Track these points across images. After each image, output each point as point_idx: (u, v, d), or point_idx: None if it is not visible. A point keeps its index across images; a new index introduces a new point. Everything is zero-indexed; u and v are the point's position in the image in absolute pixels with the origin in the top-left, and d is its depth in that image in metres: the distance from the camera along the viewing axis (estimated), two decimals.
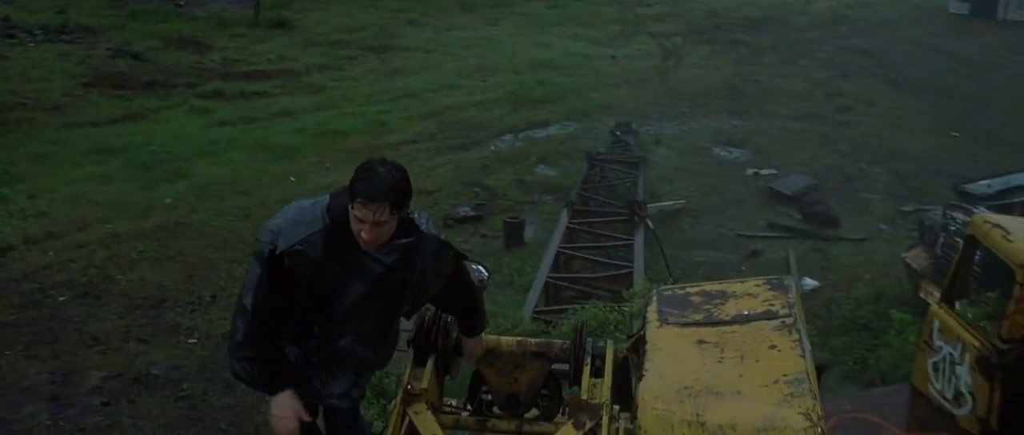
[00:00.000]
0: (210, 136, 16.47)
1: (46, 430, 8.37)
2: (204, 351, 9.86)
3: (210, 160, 15.22)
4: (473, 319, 3.98)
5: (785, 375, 3.81)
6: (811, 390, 3.69)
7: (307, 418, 3.70)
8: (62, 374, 9.18)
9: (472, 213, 13.62)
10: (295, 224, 3.51)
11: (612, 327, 6.76)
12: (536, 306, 8.42)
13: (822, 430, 3.50)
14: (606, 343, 4.01)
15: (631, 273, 8.83)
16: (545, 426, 3.95)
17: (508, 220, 12.83)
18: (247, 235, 12.68)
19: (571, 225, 11.01)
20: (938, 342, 6.92)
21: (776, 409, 3.62)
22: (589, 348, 3.97)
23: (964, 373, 6.68)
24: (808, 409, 3.60)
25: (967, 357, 6.64)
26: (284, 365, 3.64)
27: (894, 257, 11.65)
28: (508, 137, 17.57)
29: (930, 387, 7.02)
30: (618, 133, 16.01)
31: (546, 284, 8.98)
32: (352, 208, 3.40)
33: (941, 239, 10.09)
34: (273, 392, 3.63)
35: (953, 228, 9.86)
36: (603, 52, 24.59)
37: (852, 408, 6.91)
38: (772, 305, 4.31)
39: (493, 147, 17.02)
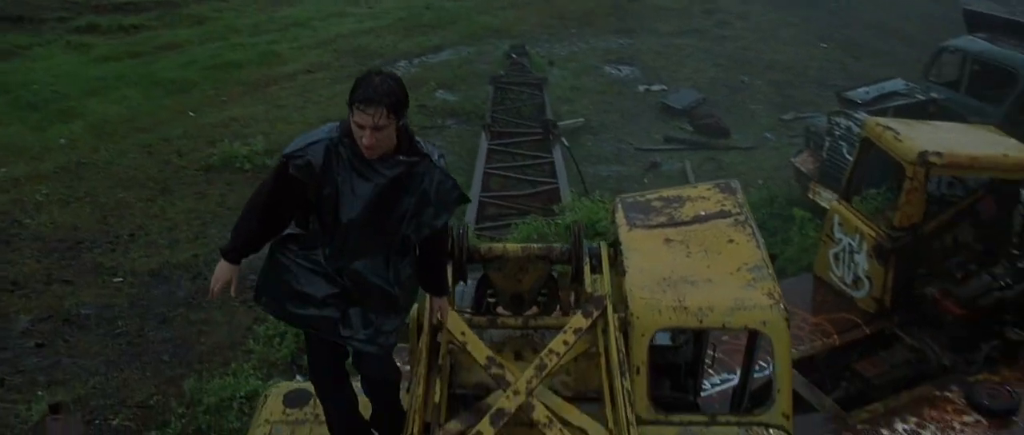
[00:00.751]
0: (94, 73, 15.90)
1: None
2: (133, 289, 9.88)
3: (101, 98, 14.76)
4: (441, 278, 4.10)
5: (746, 263, 4.39)
6: (770, 274, 4.29)
7: (234, 293, 3.99)
8: None
9: None
10: (305, 137, 3.74)
11: (551, 239, 7.21)
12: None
13: (783, 306, 4.11)
14: (599, 244, 4.50)
15: (557, 189, 9.32)
16: (547, 320, 4.42)
17: None
18: (155, 172, 12.56)
19: (490, 146, 11.39)
20: (838, 234, 7.76)
21: (744, 291, 4.21)
22: (586, 249, 4.44)
23: (862, 260, 7.55)
24: (770, 290, 4.20)
25: (864, 246, 7.50)
26: (249, 248, 3.88)
27: (782, 162, 12.58)
28: (403, 63, 17.65)
29: (831, 274, 7.88)
30: (514, 55, 16.36)
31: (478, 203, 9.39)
32: (353, 116, 3.57)
33: (826, 143, 10.98)
34: (224, 256, 3.90)
35: (837, 133, 10.74)
36: None
37: None
38: (724, 205, 4.88)
39: None
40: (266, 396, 4.41)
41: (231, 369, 8.62)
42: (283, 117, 14.65)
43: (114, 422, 8.15)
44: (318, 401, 4.27)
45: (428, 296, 4.05)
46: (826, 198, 10.81)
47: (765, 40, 18.88)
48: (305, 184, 3.69)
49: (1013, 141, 7.58)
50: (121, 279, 10.03)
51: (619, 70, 17.25)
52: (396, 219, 3.70)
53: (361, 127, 3.52)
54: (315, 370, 4.12)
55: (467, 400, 3.96)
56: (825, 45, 18.69)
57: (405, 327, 3.96)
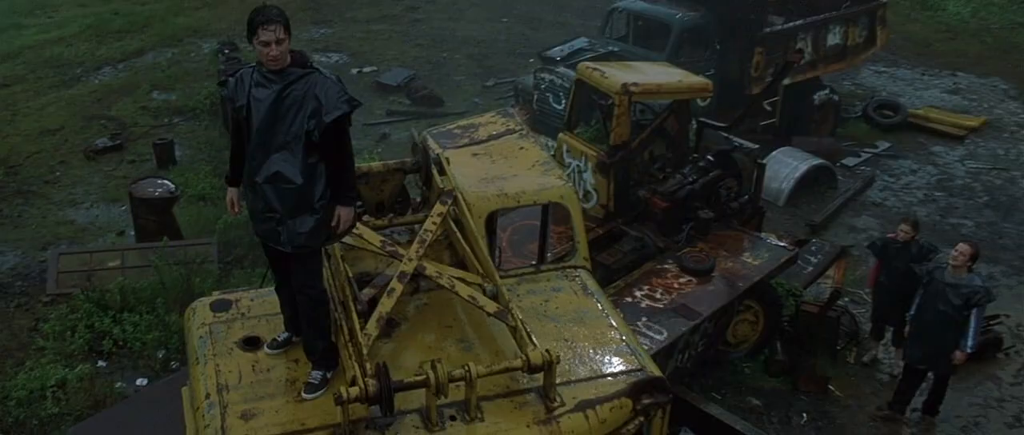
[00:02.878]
0: None
1: None
2: None
3: None
4: (339, 186, 4.70)
5: (537, 161, 5.90)
6: (556, 165, 5.83)
7: (237, 211, 5.00)
8: None
9: (111, 144, 13.80)
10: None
11: None
12: None
13: (572, 184, 5.66)
14: (438, 154, 5.73)
15: None
16: (404, 218, 5.53)
17: (157, 142, 13.33)
18: None
19: None
20: (568, 159, 9.57)
21: (543, 178, 5.71)
22: (432, 158, 5.64)
23: (588, 177, 9.42)
24: (560, 175, 5.75)
25: (589, 165, 9.37)
26: (236, 175, 4.86)
27: None
28: (108, 69, 17.37)
29: None
30: (226, 51, 16.78)
31: None
32: (257, 38, 4.45)
33: (535, 96, 12.90)
34: (225, 180, 4.99)
35: (543, 86, 12.68)
36: None
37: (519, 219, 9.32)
38: (508, 125, 6.35)
39: (97, 81, 16.78)
40: (194, 308, 5.13)
41: (28, 366, 8.80)
42: None
43: None
44: (238, 305, 5.16)
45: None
46: (541, 143, 12.75)
47: (454, 20, 20.72)
48: (231, 105, 4.68)
49: (683, 71, 9.86)
50: None
51: (329, 57, 18.25)
52: (301, 121, 4.54)
53: (265, 44, 4.47)
54: (274, 275, 5.02)
55: (357, 283, 5.06)
56: (506, 20, 20.91)
57: (320, 233, 4.65)
